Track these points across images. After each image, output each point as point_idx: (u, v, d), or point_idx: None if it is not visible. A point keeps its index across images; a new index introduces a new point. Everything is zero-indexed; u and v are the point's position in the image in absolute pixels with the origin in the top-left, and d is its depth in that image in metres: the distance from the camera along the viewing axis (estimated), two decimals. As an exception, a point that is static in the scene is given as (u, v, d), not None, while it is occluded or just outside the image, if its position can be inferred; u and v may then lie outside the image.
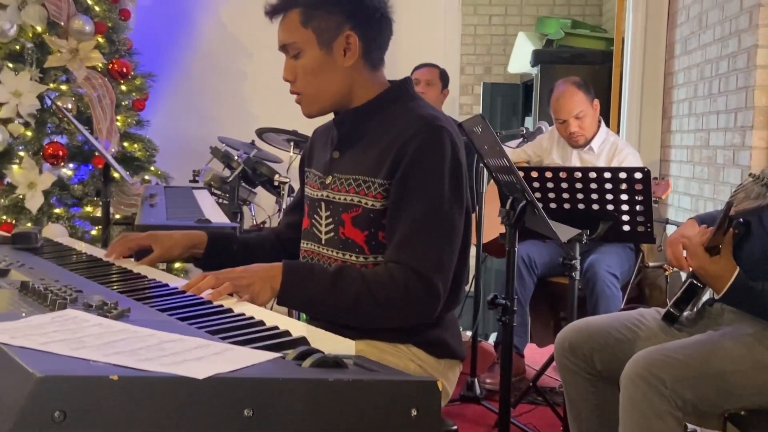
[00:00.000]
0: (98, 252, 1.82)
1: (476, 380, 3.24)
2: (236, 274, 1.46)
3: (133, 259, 1.73)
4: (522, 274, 3.34)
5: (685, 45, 3.90)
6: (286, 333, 1.11)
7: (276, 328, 1.14)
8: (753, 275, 1.83)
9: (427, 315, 1.55)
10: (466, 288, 1.73)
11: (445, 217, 1.55)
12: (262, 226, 4.06)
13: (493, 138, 2.02)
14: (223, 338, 1.07)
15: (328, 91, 1.64)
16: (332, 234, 1.66)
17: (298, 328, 1.16)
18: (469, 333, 3.58)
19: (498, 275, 5.17)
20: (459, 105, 6.06)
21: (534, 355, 3.83)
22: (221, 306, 1.29)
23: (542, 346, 3.81)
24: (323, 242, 1.68)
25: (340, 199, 1.64)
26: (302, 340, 1.08)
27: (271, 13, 1.65)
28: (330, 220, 1.66)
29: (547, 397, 2.99)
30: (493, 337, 4.25)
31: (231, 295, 1.41)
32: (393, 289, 1.50)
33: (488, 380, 3.33)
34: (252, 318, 1.20)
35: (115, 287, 1.41)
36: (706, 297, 2.05)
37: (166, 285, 1.45)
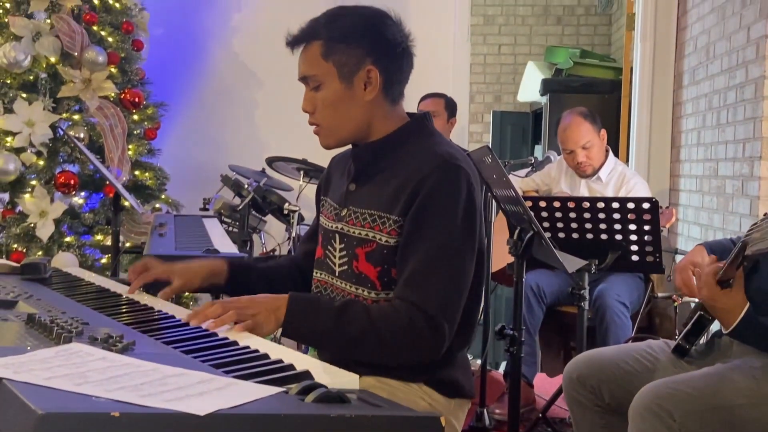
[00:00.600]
0: (107, 282, 1.83)
1: (485, 411, 3.22)
2: (242, 304, 1.46)
3: (143, 293, 1.73)
4: (531, 304, 3.33)
5: (693, 75, 3.92)
6: (290, 367, 1.11)
7: (280, 361, 1.14)
8: (762, 310, 1.82)
9: (430, 355, 1.53)
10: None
11: (456, 258, 1.54)
12: (272, 253, 4.07)
13: (500, 170, 2.03)
14: (227, 372, 1.08)
15: (347, 124, 1.63)
16: (346, 267, 1.65)
17: (302, 361, 1.15)
18: (478, 361, 3.56)
19: (509, 303, 5.16)
20: (469, 133, 6.08)
21: (544, 385, 3.80)
22: (226, 339, 1.29)
23: (552, 375, 3.78)
24: (337, 274, 1.67)
25: (354, 233, 1.63)
26: (306, 374, 1.08)
27: (293, 43, 1.64)
28: (344, 253, 1.65)
29: (556, 428, 2.97)
30: (503, 366, 4.23)
31: (236, 323, 1.41)
32: (397, 327, 1.49)
33: (497, 411, 3.31)
34: (257, 351, 1.20)
35: (121, 319, 1.42)
36: (714, 329, 2.04)
37: (173, 317, 1.45)
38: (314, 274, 1.75)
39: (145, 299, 1.63)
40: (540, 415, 2.97)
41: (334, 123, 1.63)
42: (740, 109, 3.24)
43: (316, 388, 0.93)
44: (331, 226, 1.70)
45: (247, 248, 3.72)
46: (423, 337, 1.49)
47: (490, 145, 6.12)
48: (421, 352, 1.52)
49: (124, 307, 1.55)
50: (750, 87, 3.14)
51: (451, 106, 4.00)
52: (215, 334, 1.32)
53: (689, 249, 3.84)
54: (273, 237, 4.14)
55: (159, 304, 1.58)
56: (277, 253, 4.04)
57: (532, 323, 3.35)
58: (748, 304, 1.80)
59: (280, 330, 1.53)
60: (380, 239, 1.59)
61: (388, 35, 1.62)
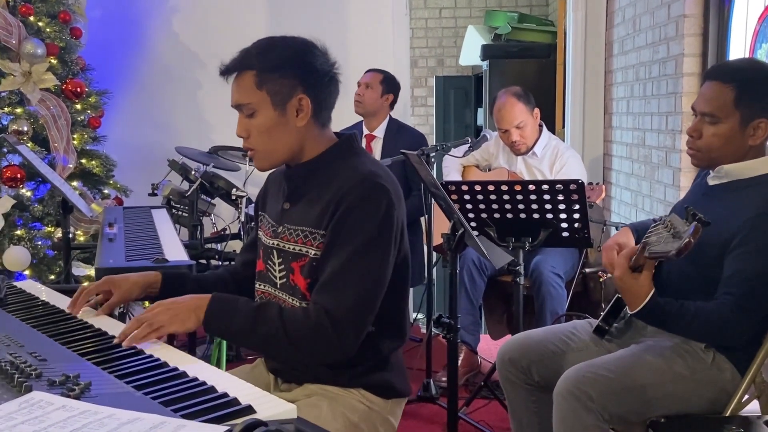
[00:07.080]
0: (60, 300, 1.93)
1: (431, 381, 3.41)
2: (160, 308, 1.63)
3: (92, 307, 1.85)
4: (473, 276, 3.51)
5: (621, 45, 4.06)
6: (235, 401, 1.24)
7: (225, 395, 1.27)
8: (667, 294, 1.97)
9: (336, 356, 1.67)
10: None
11: (368, 267, 1.66)
12: (222, 233, 4.16)
13: (432, 177, 2.17)
14: (176, 410, 1.21)
15: (281, 149, 1.75)
16: (285, 280, 1.79)
17: (246, 393, 1.28)
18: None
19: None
20: (413, 97, 6.18)
21: (489, 347, 4.01)
22: (176, 369, 1.41)
23: (496, 338, 3.98)
24: (278, 287, 1.81)
25: (290, 248, 1.77)
26: (248, 409, 1.22)
27: (225, 72, 1.74)
28: (282, 267, 1.79)
29: (497, 394, 3.16)
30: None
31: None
32: (304, 329, 1.63)
33: (443, 378, 3.50)
34: (204, 383, 1.33)
35: (77, 349, 1.53)
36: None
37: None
38: (257, 285, 1.89)
39: (99, 323, 1.73)
40: (482, 384, 3.15)
41: (268, 147, 1.75)
42: (663, 83, 3.39)
43: (257, 426, 1.07)
44: (270, 242, 1.84)
45: (198, 233, 3.81)
46: (327, 340, 1.64)
47: (434, 110, 6.26)
48: (325, 354, 1.67)
49: (79, 333, 1.66)
50: (671, 63, 3.29)
51: (388, 82, 4.01)
52: (166, 364, 1.44)
53: (622, 212, 4.05)
54: (222, 219, 4.22)
55: (112, 327, 1.69)
56: (227, 232, 4.14)
57: (475, 294, 3.53)
58: (653, 291, 1.91)
59: None
60: (311, 253, 1.73)
61: (317, 65, 1.73)
